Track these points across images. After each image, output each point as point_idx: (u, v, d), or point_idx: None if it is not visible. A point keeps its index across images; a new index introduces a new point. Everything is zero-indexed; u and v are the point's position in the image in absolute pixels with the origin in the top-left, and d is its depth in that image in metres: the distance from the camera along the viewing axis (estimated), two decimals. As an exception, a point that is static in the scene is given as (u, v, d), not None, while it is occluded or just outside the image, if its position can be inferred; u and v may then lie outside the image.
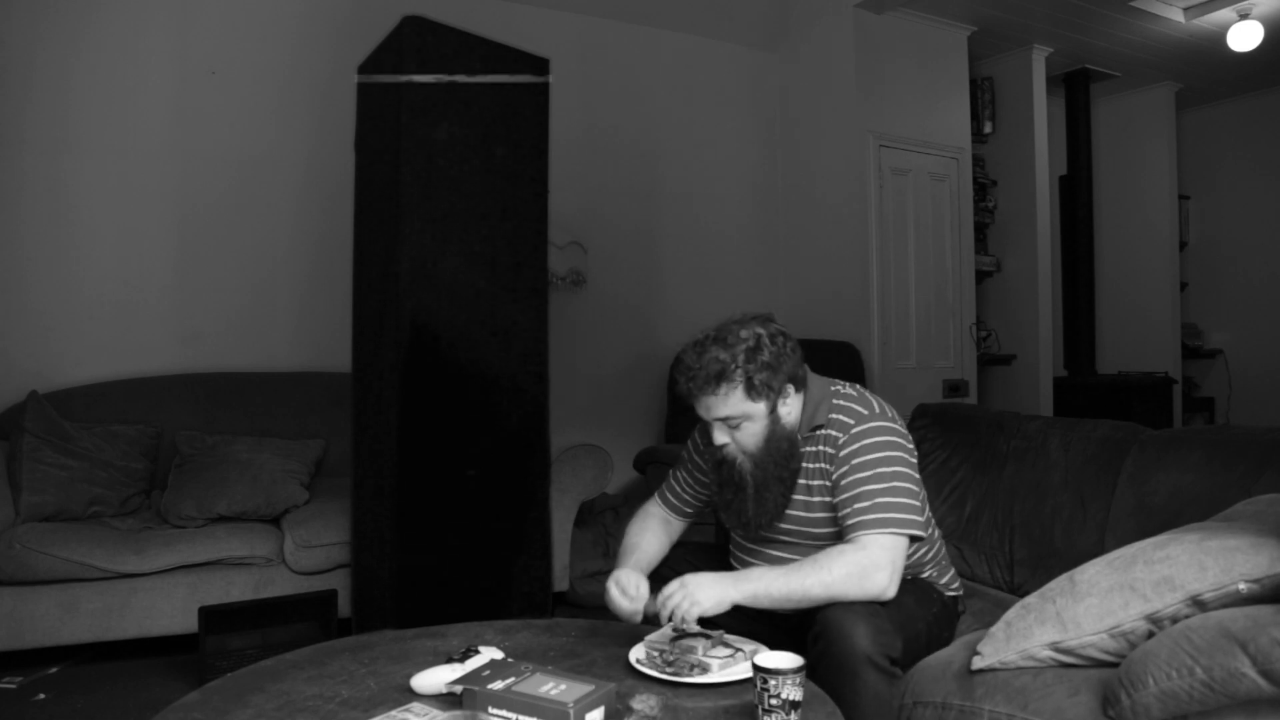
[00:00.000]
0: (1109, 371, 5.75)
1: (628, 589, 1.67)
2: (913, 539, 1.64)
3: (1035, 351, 5.05)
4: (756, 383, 1.64)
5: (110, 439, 3.08)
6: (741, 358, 1.64)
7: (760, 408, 1.66)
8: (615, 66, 4.48)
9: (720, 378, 1.63)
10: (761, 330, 1.68)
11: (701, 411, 1.69)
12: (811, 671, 1.51)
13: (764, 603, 1.57)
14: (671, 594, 1.56)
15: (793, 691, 1.23)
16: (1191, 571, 1.38)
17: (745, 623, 1.61)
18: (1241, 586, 1.33)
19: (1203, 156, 6.15)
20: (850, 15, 4.43)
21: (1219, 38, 4.75)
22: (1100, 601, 1.45)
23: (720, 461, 1.73)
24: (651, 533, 1.91)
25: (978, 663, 1.56)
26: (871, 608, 1.53)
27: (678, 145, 4.65)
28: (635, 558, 1.83)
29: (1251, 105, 5.93)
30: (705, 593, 1.55)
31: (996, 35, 4.87)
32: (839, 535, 1.67)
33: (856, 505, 1.62)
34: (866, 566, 1.55)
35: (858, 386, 1.79)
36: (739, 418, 1.66)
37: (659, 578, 1.76)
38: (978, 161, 5.13)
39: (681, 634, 1.52)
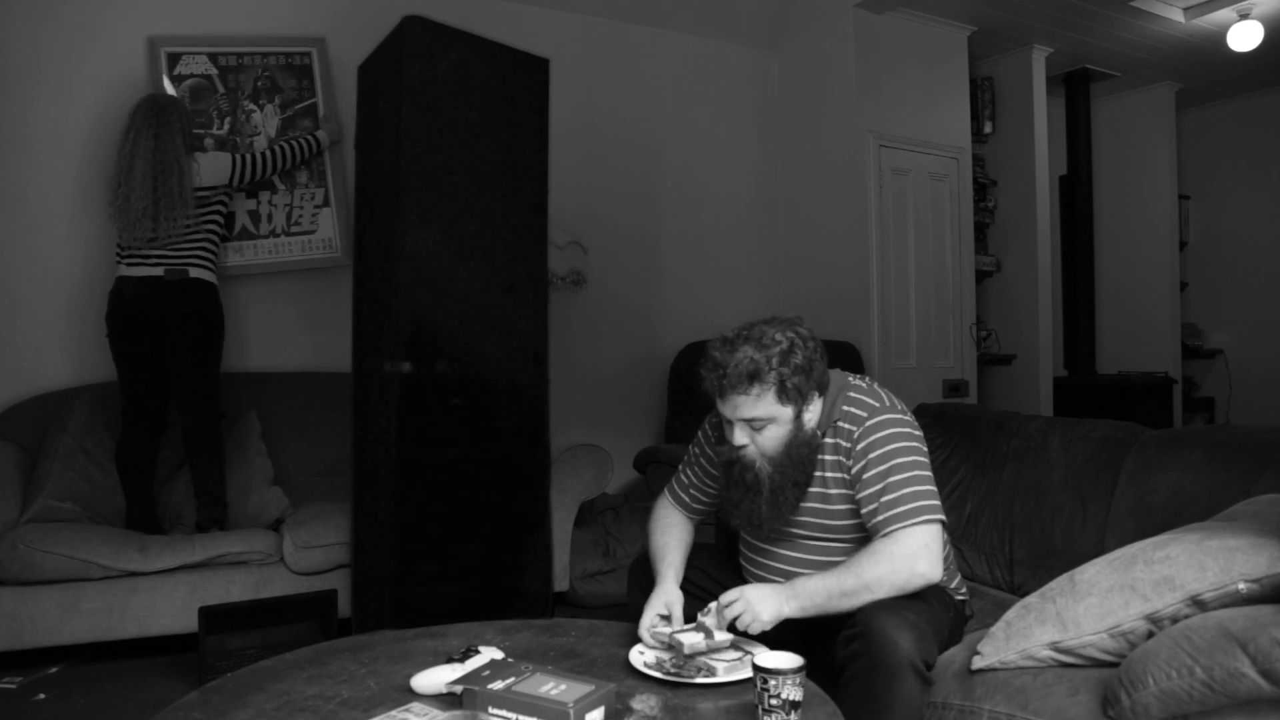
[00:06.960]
0: (1109, 371, 5.75)
1: (675, 617, 1.63)
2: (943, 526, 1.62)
3: (1035, 351, 5.05)
4: (789, 386, 1.62)
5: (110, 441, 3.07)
6: (776, 360, 1.62)
7: (787, 412, 1.65)
8: (615, 66, 4.48)
9: (754, 378, 1.61)
10: (794, 334, 1.66)
11: (727, 411, 1.66)
12: (839, 673, 1.50)
13: (812, 612, 1.55)
14: (732, 602, 1.55)
15: (793, 691, 1.23)
16: (1191, 571, 1.38)
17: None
18: (1241, 586, 1.33)
19: (1203, 156, 6.15)
20: (850, 15, 4.43)
21: (1219, 38, 4.75)
22: (1100, 601, 1.45)
23: (734, 462, 1.70)
24: (678, 539, 1.85)
25: (978, 662, 1.57)
26: (913, 612, 1.52)
27: (678, 145, 4.64)
28: (676, 570, 1.76)
29: (1251, 105, 5.92)
30: (766, 607, 1.53)
31: (996, 35, 4.86)
32: (860, 526, 1.66)
33: (883, 499, 1.60)
34: (904, 558, 1.54)
35: (866, 379, 1.78)
36: (765, 420, 1.64)
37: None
38: (978, 161, 5.13)
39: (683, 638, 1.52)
